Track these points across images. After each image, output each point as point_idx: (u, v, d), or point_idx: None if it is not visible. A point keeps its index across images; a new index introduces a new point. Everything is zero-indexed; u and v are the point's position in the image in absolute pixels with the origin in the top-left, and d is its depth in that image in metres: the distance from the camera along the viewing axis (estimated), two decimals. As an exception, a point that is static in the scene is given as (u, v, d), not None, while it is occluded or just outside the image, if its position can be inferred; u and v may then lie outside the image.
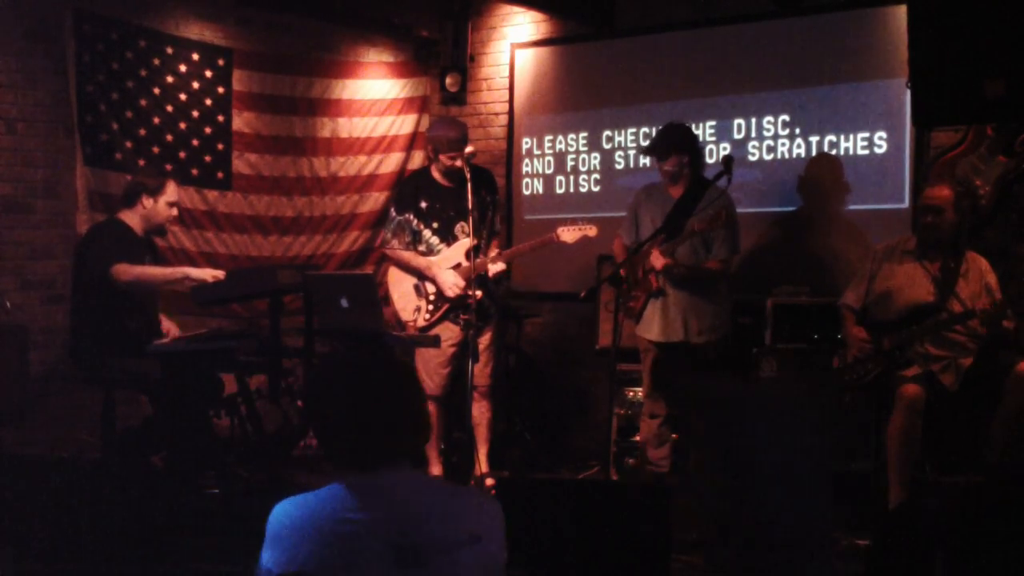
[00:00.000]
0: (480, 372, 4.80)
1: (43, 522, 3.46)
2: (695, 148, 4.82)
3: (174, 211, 4.72)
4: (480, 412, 4.94)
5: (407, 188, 5.07)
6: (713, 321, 4.77)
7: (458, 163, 4.65)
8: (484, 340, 4.82)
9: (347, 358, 2.03)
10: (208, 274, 4.48)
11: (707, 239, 4.66)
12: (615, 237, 5.05)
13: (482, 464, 4.93)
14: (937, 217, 4.46)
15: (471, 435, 4.74)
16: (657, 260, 4.64)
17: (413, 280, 4.91)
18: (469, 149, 4.63)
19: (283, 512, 1.88)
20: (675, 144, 4.73)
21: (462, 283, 4.71)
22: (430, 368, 4.87)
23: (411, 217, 4.86)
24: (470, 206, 4.51)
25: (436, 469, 4.96)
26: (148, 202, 4.62)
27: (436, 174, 4.87)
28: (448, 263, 4.79)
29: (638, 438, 5.11)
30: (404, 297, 4.92)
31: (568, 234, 4.78)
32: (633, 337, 4.96)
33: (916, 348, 4.40)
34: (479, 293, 4.58)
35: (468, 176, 4.53)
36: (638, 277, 4.81)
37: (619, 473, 5.30)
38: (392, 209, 5.03)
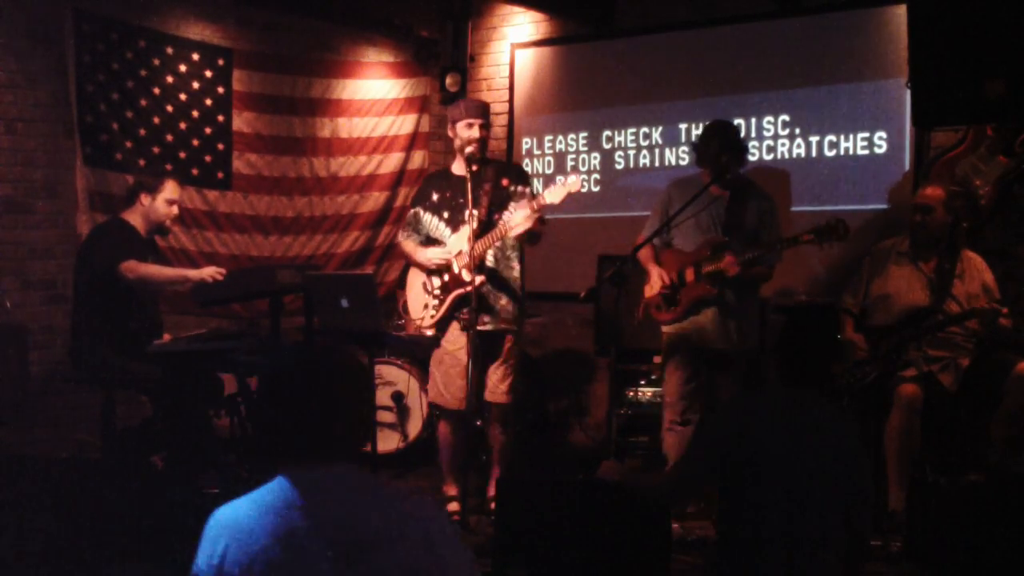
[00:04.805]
0: (494, 388, 4.55)
1: (43, 522, 3.45)
2: (732, 147, 4.51)
3: (174, 209, 4.71)
4: (494, 434, 4.66)
5: (424, 183, 4.90)
6: (753, 326, 4.59)
7: (475, 131, 4.44)
8: (503, 350, 4.55)
9: (297, 353, 2.01)
10: (207, 273, 4.48)
11: (752, 239, 4.46)
12: (638, 236, 4.66)
13: (492, 487, 4.62)
14: (926, 216, 4.47)
15: (470, 442, 4.52)
16: (731, 268, 4.33)
17: (422, 278, 4.71)
18: (473, 146, 4.44)
19: (230, 512, 1.89)
20: (707, 152, 4.50)
21: (445, 255, 4.48)
22: (448, 379, 4.55)
23: (420, 211, 4.68)
24: (469, 187, 4.31)
25: (451, 490, 4.67)
26: (146, 199, 4.62)
27: (454, 165, 4.66)
28: (452, 251, 4.52)
29: (666, 449, 4.65)
30: (415, 297, 4.71)
31: (552, 194, 4.28)
32: (635, 338, 4.92)
33: (913, 350, 4.40)
34: (480, 279, 4.35)
35: (474, 167, 4.39)
36: (687, 280, 4.49)
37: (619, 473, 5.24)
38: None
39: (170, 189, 4.66)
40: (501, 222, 4.41)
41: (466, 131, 4.49)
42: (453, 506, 4.54)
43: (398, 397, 5.60)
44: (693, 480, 2.96)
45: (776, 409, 2.79)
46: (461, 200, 4.46)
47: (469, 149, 4.46)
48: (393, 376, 5.63)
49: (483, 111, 4.57)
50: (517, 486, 3.68)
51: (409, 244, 4.71)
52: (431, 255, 4.54)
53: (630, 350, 5.19)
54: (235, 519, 1.86)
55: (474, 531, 4.32)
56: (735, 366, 4.57)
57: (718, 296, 4.44)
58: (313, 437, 1.92)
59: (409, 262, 4.80)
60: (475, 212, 4.35)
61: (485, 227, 4.41)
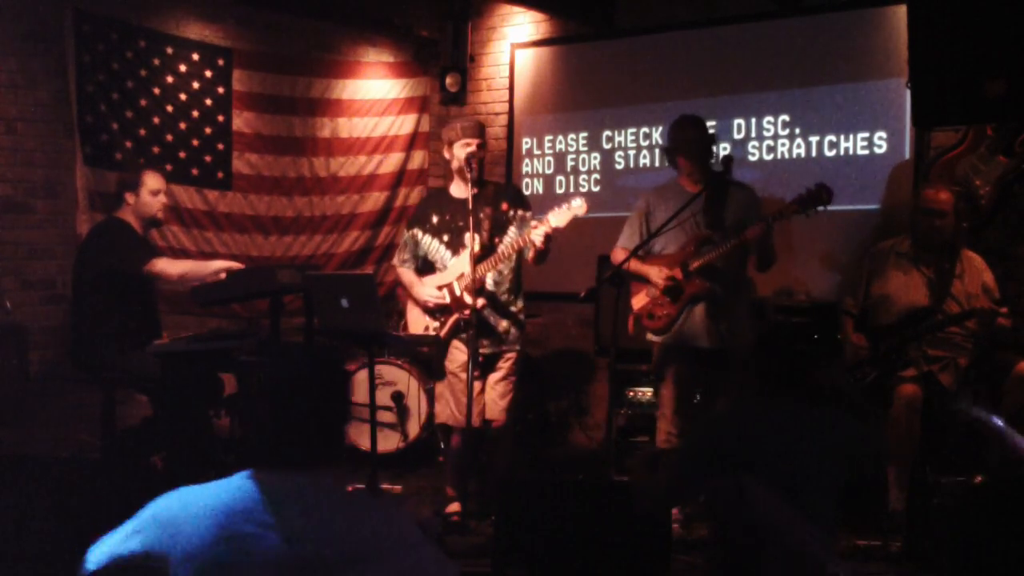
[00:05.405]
0: (495, 403, 4.50)
1: (43, 522, 3.45)
2: (711, 141, 4.52)
3: (161, 198, 4.67)
4: (493, 447, 4.62)
5: (422, 204, 4.86)
6: (744, 325, 4.45)
7: (473, 150, 4.40)
8: (502, 368, 4.50)
9: (283, 361, 1.96)
10: (227, 265, 4.53)
11: (738, 229, 4.33)
12: (619, 250, 4.55)
13: (492, 489, 4.54)
14: (942, 221, 4.46)
15: (472, 446, 4.47)
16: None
17: None
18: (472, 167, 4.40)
19: (182, 498, 1.82)
20: (685, 142, 4.45)
21: (436, 293, 4.49)
22: (458, 397, 4.47)
23: (417, 232, 4.61)
24: (470, 208, 4.29)
25: (453, 505, 4.60)
26: (131, 198, 4.62)
27: (452, 187, 4.62)
28: (454, 273, 4.50)
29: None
30: (416, 317, 4.65)
31: (557, 218, 4.24)
32: (635, 338, 4.88)
33: (913, 351, 4.40)
34: (481, 301, 4.33)
35: (473, 177, 4.36)
36: (678, 281, 4.37)
37: (620, 473, 5.19)
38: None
39: (151, 180, 4.63)
40: (512, 240, 4.39)
41: (463, 151, 4.44)
42: (454, 506, 4.53)
43: (398, 397, 5.60)
44: (689, 485, 2.95)
45: (768, 415, 2.80)
46: (461, 223, 4.43)
47: (468, 152, 4.43)
48: (393, 376, 5.62)
49: (480, 131, 4.55)
50: (517, 486, 3.68)
51: (407, 274, 4.65)
52: (428, 296, 4.51)
53: (630, 350, 5.17)
54: (185, 511, 1.80)
55: (474, 531, 4.32)
56: (727, 365, 4.54)
57: (710, 292, 4.37)
58: (286, 442, 1.87)
59: (407, 292, 4.74)
60: (476, 235, 4.33)
61: (486, 250, 4.39)
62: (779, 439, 2.73)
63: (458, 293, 4.44)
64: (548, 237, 4.26)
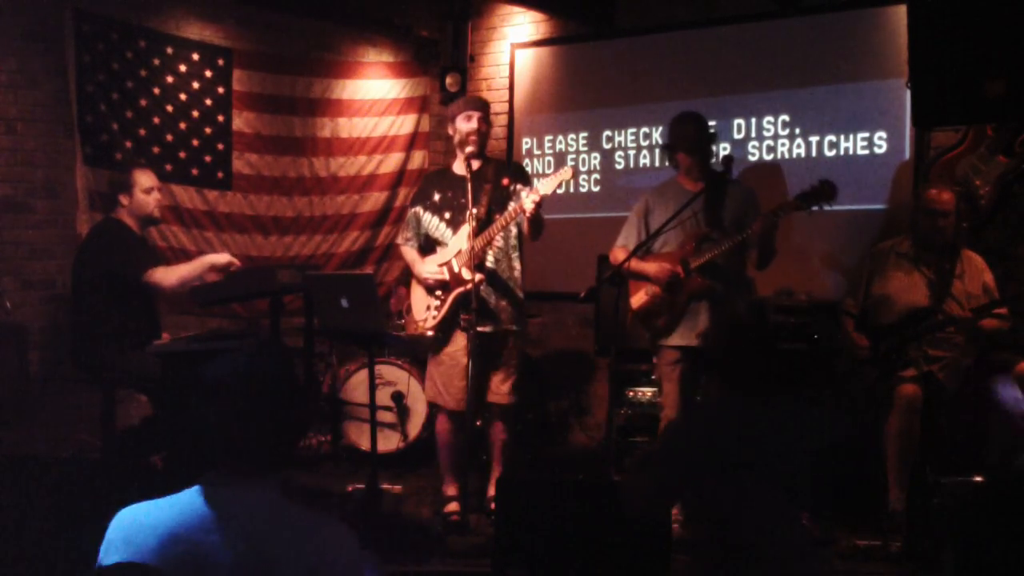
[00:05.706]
0: (497, 388, 4.53)
1: (43, 522, 3.45)
2: (711, 138, 4.53)
3: (155, 195, 4.66)
4: (495, 435, 4.63)
5: (424, 182, 4.87)
6: (746, 322, 4.46)
7: (474, 123, 4.43)
8: (505, 352, 4.52)
9: (230, 363, 1.89)
10: (227, 258, 4.52)
11: (738, 226, 4.34)
12: (619, 250, 4.52)
13: (492, 487, 4.61)
14: (944, 221, 4.46)
15: (470, 442, 4.46)
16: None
17: None
18: (473, 140, 4.43)
19: (133, 516, 1.82)
20: (686, 137, 4.45)
21: (435, 270, 4.49)
22: (448, 379, 4.51)
23: (420, 211, 4.63)
24: (469, 186, 4.29)
25: (451, 490, 4.63)
26: (125, 199, 4.62)
27: (455, 165, 4.61)
28: (453, 251, 4.49)
29: None
30: (419, 299, 4.66)
31: (545, 185, 4.24)
32: (635, 338, 4.88)
33: (913, 350, 4.40)
34: (480, 277, 4.30)
35: (474, 164, 4.38)
36: (680, 279, 4.34)
37: (620, 473, 5.20)
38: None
39: (142, 179, 4.63)
40: (507, 211, 4.35)
41: (465, 124, 4.47)
42: (453, 506, 4.53)
43: (398, 397, 5.60)
44: (676, 483, 2.93)
45: (754, 413, 2.80)
46: (463, 200, 4.42)
47: (469, 148, 4.44)
48: (393, 376, 5.62)
49: (481, 104, 4.56)
50: (517, 486, 3.68)
51: (409, 253, 4.67)
52: (428, 273, 4.52)
53: (630, 350, 5.18)
54: (135, 526, 1.80)
55: (474, 531, 4.32)
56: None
57: (710, 289, 4.33)
58: (228, 447, 1.85)
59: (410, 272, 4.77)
60: (475, 211, 4.33)
61: (484, 226, 4.37)
62: (769, 437, 2.72)
63: (456, 270, 4.43)
64: (538, 204, 4.25)
